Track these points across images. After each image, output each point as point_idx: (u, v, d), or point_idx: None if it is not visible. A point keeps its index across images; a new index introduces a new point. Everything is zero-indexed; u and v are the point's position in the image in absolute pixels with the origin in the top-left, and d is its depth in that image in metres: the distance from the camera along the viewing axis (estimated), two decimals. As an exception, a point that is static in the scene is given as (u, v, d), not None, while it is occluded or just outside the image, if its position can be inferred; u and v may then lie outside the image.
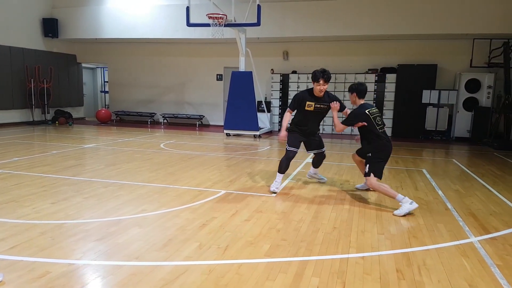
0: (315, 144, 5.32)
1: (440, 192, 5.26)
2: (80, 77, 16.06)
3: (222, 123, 12.38)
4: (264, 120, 12.43)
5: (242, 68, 11.01)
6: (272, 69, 13.48)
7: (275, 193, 5.01)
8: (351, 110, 4.84)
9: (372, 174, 4.50)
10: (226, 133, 11.52)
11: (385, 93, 12.19)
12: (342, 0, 11.60)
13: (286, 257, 3.07)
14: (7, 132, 10.88)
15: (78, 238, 3.35)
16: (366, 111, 4.55)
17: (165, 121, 15.03)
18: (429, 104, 11.65)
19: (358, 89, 4.68)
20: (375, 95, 12.34)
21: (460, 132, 11.60)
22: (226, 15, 9.81)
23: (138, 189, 5.06)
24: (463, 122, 11.54)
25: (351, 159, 7.74)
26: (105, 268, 2.85)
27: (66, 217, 3.90)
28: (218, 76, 14.48)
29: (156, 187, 5.21)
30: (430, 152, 9.30)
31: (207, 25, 9.94)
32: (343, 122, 4.75)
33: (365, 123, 4.54)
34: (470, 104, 11.43)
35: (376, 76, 12.26)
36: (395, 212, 4.26)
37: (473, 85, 11.37)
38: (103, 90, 18.25)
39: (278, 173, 5.12)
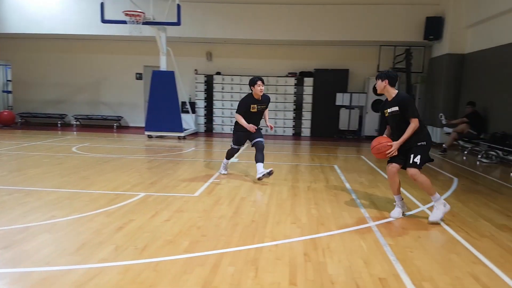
0: (255, 136, 6.07)
1: (347, 185, 5.86)
2: (-23, 75, 14.45)
3: (143, 125, 12.11)
4: (188, 121, 12.44)
5: (163, 67, 10.92)
6: (196, 70, 13.54)
7: (224, 174, 6.28)
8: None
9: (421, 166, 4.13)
10: (148, 135, 11.30)
11: (304, 96, 13.00)
12: (263, 5, 12.12)
13: (204, 251, 3.24)
14: None
15: (-22, 248, 3.15)
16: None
17: (78, 122, 14.21)
18: (342, 106, 12.72)
19: (390, 75, 4.26)
20: (295, 98, 13.10)
21: (369, 131, 12.83)
22: (144, 13, 9.67)
23: (47, 195, 4.82)
24: (371, 122, 12.81)
25: (270, 158, 8.18)
26: (13, 275, 2.74)
27: (-38, 227, 3.61)
28: (137, 75, 14.11)
29: (67, 192, 5.01)
30: (343, 150, 10.18)
31: (124, 22, 9.70)
32: (415, 115, 4.09)
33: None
34: (377, 106, 12.70)
35: (295, 79, 13.02)
36: (430, 218, 4.11)
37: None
38: (5, 89, 16.58)
39: (225, 159, 6.39)
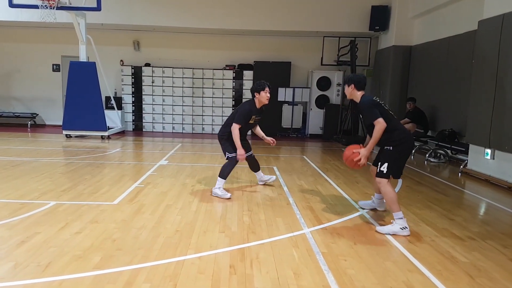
0: (246, 149, 5.66)
1: (285, 188, 6.00)
2: None
3: (61, 123, 11.45)
4: (114, 118, 12.00)
5: (83, 57, 10.42)
6: (121, 60, 13.09)
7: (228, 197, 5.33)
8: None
9: (390, 175, 4.19)
10: (66, 135, 10.73)
11: (243, 91, 13.08)
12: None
13: (118, 267, 3.14)
14: None
15: None
16: (374, 98, 4.31)
17: (-18, 121, 13.12)
18: (285, 102, 12.99)
19: (355, 79, 4.37)
20: (233, 92, 13.13)
21: (313, 129, 13.23)
22: (58, -4, 9.15)
23: None
24: (316, 119, 13.19)
25: (204, 160, 8.15)
26: None
27: None
28: (54, 67, 13.35)
29: (-41, 203, 4.62)
30: (285, 149, 10.40)
31: (35, 6, 9.12)
32: (373, 119, 4.11)
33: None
34: (322, 102, 13.13)
35: (233, 72, 13.06)
36: (379, 228, 4.21)
37: (324, 83, 13.08)
38: None
39: (220, 178, 5.40)
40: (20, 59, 13.26)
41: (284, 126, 13.16)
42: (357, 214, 4.82)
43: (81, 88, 10.31)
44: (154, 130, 13.23)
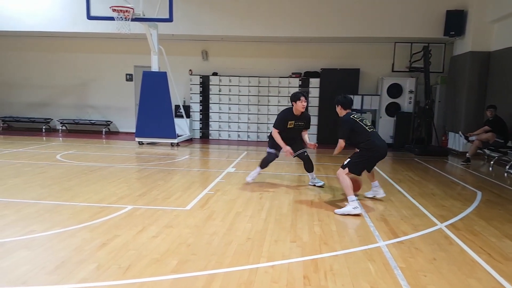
0: (296, 147, 6.48)
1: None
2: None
3: (133, 130, 12.18)
4: (182, 126, 12.50)
5: (154, 67, 11.01)
6: (190, 70, 13.63)
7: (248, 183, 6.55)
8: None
9: (347, 168, 5.26)
10: (139, 142, 11.37)
11: (310, 98, 13.01)
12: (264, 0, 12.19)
13: (194, 271, 3.25)
14: None
15: None
16: (351, 116, 5.46)
17: (64, 128, 14.31)
18: (353, 109, 12.67)
19: (341, 101, 5.58)
20: (300, 100, 13.10)
21: (383, 138, 12.61)
22: (133, 8, 9.77)
23: (27, 208, 4.87)
24: (386, 127, 12.77)
25: (271, 168, 8.21)
26: (-18, 298, 2.78)
27: None
28: (127, 76, 14.22)
29: (48, 204, 5.06)
30: (353, 158, 10.14)
31: (111, 18, 9.80)
32: (339, 137, 5.49)
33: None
34: (392, 110, 12.70)
35: (300, 80, 13.07)
36: (336, 210, 5.10)
37: (395, 90, 12.66)
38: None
39: (259, 167, 6.62)
40: (95, 69, 14.31)
41: (351, 135, 12.86)
42: (435, 228, 4.60)
43: (153, 97, 10.89)
44: (220, 138, 13.59)
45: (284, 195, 6.01)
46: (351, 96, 5.93)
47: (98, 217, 4.64)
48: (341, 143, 5.46)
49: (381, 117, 12.80)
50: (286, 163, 8.99)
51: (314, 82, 12.99)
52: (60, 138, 12.39)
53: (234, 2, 12.26)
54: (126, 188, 6.10)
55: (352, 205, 5.01)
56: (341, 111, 5.60)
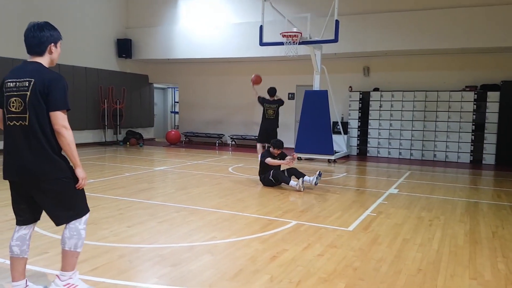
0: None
1: (552, 235, 4.95)
2: (152, 98, 17.65)
3: (292, 146, 12.68)
4: (340, 143, 12.50)
5: (316, 86, 11.30)
6: (350, 87, 13.58)
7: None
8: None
9: None
10: (298, 157, 11.78)
11: (487, 114, 11.60)
12: (433, 11, 11.44)
13: (362, 297, 3.20)
14: (81, 153, 12.32)
15: (153, 263, 3.82)
16: None
17: (233, 142, 15.77)
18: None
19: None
20: (474, 116, 11.79)
21: None
22: (301, 33, 10.23)
23: (208, 215, 5.51)
24: None
25: (441, 192, 7.54)
26: (180, 294, 3.24)
27: (142, 241, 4.44)
28: (290, 95, 14.92)
29: (225, 213, 5.63)
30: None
31: (281, 43, 10.45)
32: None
33: None
34: None
35: (475, 94, 11.76)
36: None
37: None
38: (173, 110, 19.74)
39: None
40: (261, 90, 15.32)
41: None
42: None
43: (313, 114, 11.18)
44: (379, 155, 13.11)
45: (459, 223, 5.44)
46: None
47: (268, 229, 4.96)
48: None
49: None
50: (459, 186, 8.15)
51: (493, 96, 11.51)
52: (230, 152, 13.70)
53: (399, 16, 11.85)
54: (289, 203, 6.39)
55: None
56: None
